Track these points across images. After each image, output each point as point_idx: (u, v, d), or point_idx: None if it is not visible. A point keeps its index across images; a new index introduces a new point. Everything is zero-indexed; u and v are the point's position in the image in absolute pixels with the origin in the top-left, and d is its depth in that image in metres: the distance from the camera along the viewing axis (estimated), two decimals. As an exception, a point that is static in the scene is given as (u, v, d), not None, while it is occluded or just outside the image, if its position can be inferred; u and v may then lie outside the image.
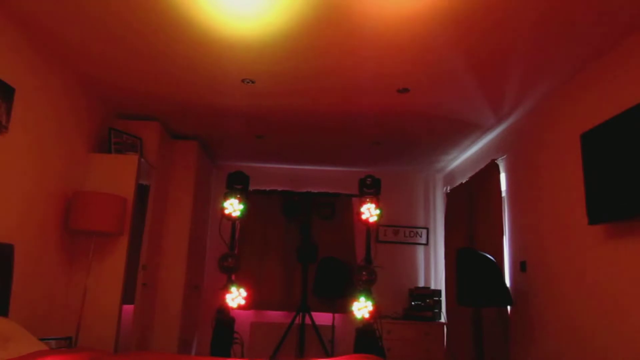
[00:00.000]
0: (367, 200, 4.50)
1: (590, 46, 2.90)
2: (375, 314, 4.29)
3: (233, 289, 4.48)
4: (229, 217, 4.59)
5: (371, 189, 4.54)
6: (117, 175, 3.94)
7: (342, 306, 5.41)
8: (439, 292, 5.46)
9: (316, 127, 4.61)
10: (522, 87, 3.52)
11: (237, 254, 4.78)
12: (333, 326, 5.25)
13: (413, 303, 5.41)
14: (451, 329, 5.07)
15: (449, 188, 5.65)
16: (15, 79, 2.97)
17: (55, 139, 3.51)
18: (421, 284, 5.88)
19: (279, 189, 5.90)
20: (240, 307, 4.63)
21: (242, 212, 4.62)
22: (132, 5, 2.69)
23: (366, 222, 4.49)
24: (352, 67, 3.33)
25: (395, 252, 5.98)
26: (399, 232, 6.03)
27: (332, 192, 5.70)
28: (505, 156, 4.33)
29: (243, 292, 4.57)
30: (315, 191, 5.59)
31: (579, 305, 3.09)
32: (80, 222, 3.49)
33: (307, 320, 5.29)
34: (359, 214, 4.53)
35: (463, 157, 5.39)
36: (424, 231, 6.05)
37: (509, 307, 4.01)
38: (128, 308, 3.94)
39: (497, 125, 4.36)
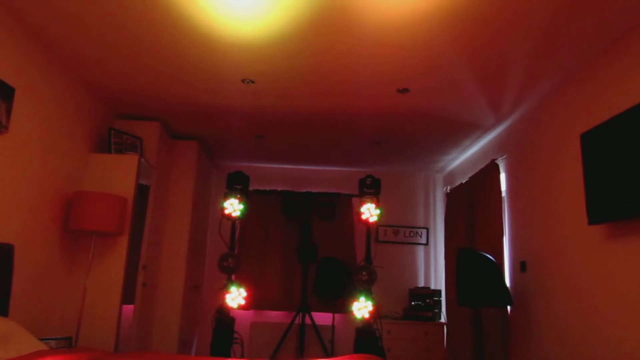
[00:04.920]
0: (367, 200, 4.50)
1: (590, 46, 2.90)
2: (375, 314, 4.29)
3: (233, 289, 4.48)
4: (229, 217, 4.59)
5: (371, 189, 4.54)
6: (117, 175, 3.94)
7: (342, 306, 5.42)
8: (439, 292, 5.46)
9: (316, 127, 4.61)
10: (522, 87, 3.52)
11: (237, 254, 4.78)
12: (333, 326, 5.24)
13: (413, 303, 5.41)
14: (451, 329, 5.07)
15: (449, 188, 5.65)
16: (15, 79, 2.97)
17: (55, 139, 3.51)
18: (421, 284, 5.88)
19: (279, 189, 5.90)
20: (240, 307, 4.63)
21: (242, 212, 4.62)
22: (133, 6, 2.69)
23: (366, 222, 4.49)
24: (352, 67, 3.34)
25: (395, 252, 5.98)
26: (399, 232, 6.03)
27: (332, 192, 5.70)
28: (505, 156, 4.33)
29: (243, 292, 4.56)
30: (315, 191, 5.59)
31: (579, 305, 3.09)
32: (80, 222, 3.49)
33: (307, 320, 5.28)
34: (359, 214, 4.53)
35: (463, 157, 5.39)
36: (424, 231, 6.05)
37: (509, 307, 4.01)
38: (128, 308, 3.94)
39: (497, 125, 4.36)
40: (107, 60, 3.40)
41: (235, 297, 4.50)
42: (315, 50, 3.11)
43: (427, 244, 6.03)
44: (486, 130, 4.49)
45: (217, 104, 4.14)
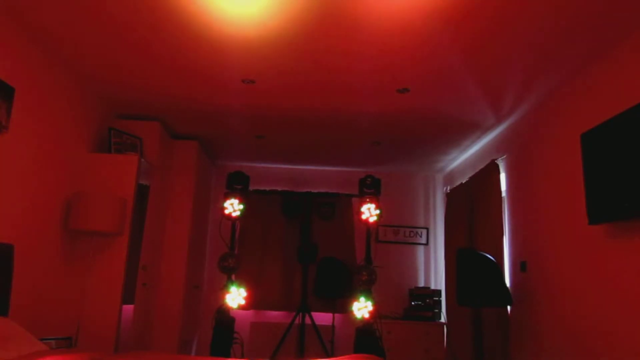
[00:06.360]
0: (367, 200, 4.50)
1: (590, 46, 2.90)
2: (375, 314, 4.28)
3: (233, 289, 4.48)
4: (229, 217, 4.59)
5: (371, 189, 4.54)
6: (117, 175, 3.94)
7: (342, 306, 5.41)
8: (439, 292, 5.46)
9: (316, 127, 4.61)
10: (522, 87, 3.52)
11: (237, 254, 4.78)
12: (333, 326, 5.24)
13: (413, 303, 5.41)
14: (451, 329, 5.07)
15: (449, 188, 5.65)
16: (15, 79, 2.96)
17: (55, 139, 3.51)
18: (421, 284, 5.88)
19: (279, 189, 5.90)
20: (240, 307, 4.63)
21: (242, 212, 4.62)
22: (133, 5, 2.68)
23: (366, 222, 4.49)
24: (352, 67, 3.33)
25: (395, 252, 5.98)
26: (399, 232, 6.02)
27: (332, 192, 5.69)
28: (505, 156, 4.33)
29: (243, 292, 4.56)
30: (315, 191, 5.58)
31: (579, 305, 3.09)
32: (80, 222, 3.49)
33: (307, 321, 5.28)
34: (359, 214, 4.53)
35: (463, 157, 5.39)
36: (424, 231, 6.05)
37: (508, 307, 4.01)
38: (128, 308, 3.94)
39: (497, 125, 4.36)
40: (107, 60, 3.40)
41: (235, 297, 4.50)
42: (315, 50, 3.11)
43: (427, 244, 6.02)
44: (486, 130, 4.49)
45: (217, 104, 4.14)
